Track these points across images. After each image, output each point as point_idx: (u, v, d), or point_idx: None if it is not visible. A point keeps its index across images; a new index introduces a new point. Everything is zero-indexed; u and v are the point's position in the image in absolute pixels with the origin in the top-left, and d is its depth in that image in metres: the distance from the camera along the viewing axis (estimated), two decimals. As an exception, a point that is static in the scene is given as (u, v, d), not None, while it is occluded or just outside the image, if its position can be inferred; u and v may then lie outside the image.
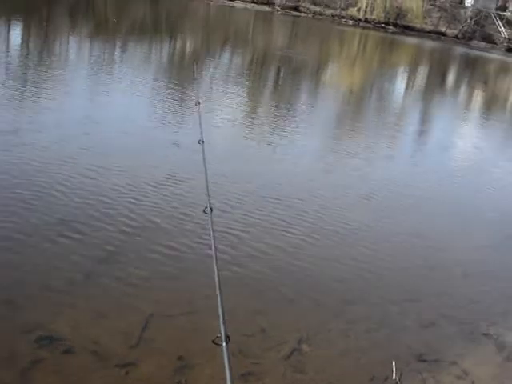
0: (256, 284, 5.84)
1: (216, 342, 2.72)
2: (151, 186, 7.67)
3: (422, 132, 15.93)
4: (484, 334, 5.77)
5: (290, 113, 14.53)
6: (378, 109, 18.51)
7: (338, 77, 24.81)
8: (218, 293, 3.07)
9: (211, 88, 16.20)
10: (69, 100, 11.63)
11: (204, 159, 5.16)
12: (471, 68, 39.54)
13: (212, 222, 3.93)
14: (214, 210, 4.18)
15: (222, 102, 13.97)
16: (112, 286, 5.33)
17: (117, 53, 19.32)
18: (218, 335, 2.76)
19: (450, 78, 31.97)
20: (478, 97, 26.40)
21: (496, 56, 50.17)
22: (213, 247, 3.62)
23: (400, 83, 26.49)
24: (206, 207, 4.16)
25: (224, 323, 2.83)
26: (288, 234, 7.13)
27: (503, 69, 43.42)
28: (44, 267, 5.44)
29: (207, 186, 4.64)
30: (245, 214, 7.38)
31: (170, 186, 7.82)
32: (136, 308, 5.05)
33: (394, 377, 4.76)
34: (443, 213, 9.07)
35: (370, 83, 24.68)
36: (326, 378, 4.63)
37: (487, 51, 53.11)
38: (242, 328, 5.04)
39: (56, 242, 5.89)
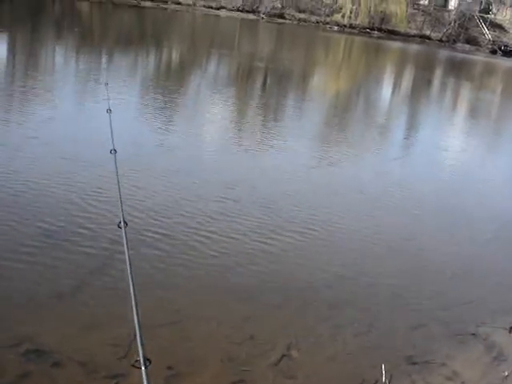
0: (243, 290, 5.85)
1: (135, 366, 2.56)
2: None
3: (409, 137, 15.98)
4: (473, 335, 5.79)
5: (274, 123, 14.55)
6: (365, 115, 18.59)
7: (324, 84, 24.88)
8: (135, 315, 2.88)
9: (197, 97, 16.25)
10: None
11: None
12: (457, 71, 39.79)
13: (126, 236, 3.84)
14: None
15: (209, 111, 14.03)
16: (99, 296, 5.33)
17: (96, 62, 19.31)
18: (137, 359, 2.59)
19: (436, 81, 32.11)
20: (465, 100, 26.56)
21: (481, 58, 50.56)
22: (127, 263, 3.47)
23: (386, 88, 26.59)
24: (120, 222, 4.05)
25: (142, 346, 2.64)
26: (274, 237, 7.16)
27: (488, 70, 43.74)
28: (30, 279, 5.42)
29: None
30: (230, 222, 7.40)
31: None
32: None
33: (383, 380, 4.77)
34: (432, 213, 9.12)
35: (357, 89, 24.78)
36: (316, 383, 4.63)
37: (472, 53, 53.53)
38: (230, 335, 5.05)
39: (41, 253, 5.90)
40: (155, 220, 7.08)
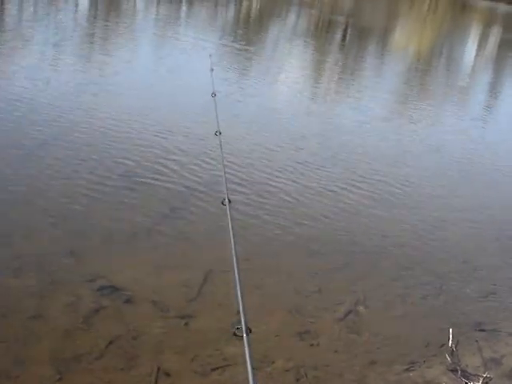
0: (314, 245, 5.86)
1: (237, 334, 2.50)
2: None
3: (491, 100, 15.43)
4: (545, 307, 5.64)
5: (352, 78, 14.31)
6: (446, 75, 18.04)
7: (405, 41, 24.19)
8: (237, 283, 2.81)
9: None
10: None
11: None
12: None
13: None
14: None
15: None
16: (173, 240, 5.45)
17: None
18: (238, 327, 2.52)
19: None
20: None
21: None
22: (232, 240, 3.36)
23: (470, 49, 25.65)
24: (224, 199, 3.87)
25: (244, 314, 2.59)
26: (346, 196, 7.13)
27: None
28: (108, 219, 5.58)
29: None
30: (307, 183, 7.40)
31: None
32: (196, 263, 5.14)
33: (450, 344, 4.72)
34: (509, 181, 8.88)
35: (439, 48, 24.01)
36: (381, 341, 4.62)
37: None
38: (299, 287, 5.09)
39: (119, 194, 6.05)
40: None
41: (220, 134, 5.09)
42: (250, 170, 7.24)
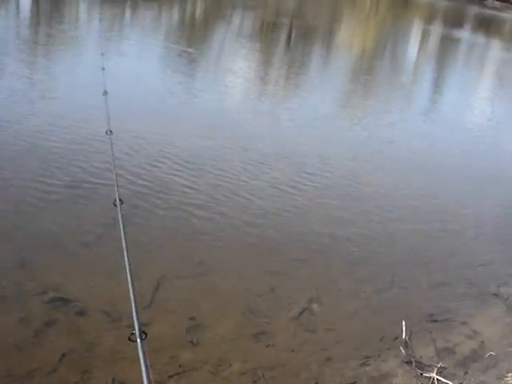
0: (266, 245, 5.87)
1: (131, 339, 2.51)
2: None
3: (433, 97, 15.74)
4: (494, 295, 5.77)
5: (297, 80, 14.40)
6: (390, 72, 18.32)
7: (349, 41, 24.47)
8: (130, 287, 2.86)
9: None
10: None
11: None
12: (485, 29, 38.83)
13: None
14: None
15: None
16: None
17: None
18: (133, 332, 2.54)
19: (464, 39, 31.36)
20: (492, 60, 25.96)
21: (511, 16, 49.24)
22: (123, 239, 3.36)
23: (412, 46, 26.10)
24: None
25: (138, 318, 2.62)
26: (297, 193, 7.16)
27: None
28: (56, 229, 5.48)
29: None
30: (255, 174, 7.40)
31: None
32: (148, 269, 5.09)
33: (403, 336, 4.79)
34: (457, 174, 9.06)
35: (382, 46, 24.37)
36: (336, 337, 4.66)
37: (502, 11, 52.12)
38: (252, 288, 5.09)
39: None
40: (181, 170, 7.12)
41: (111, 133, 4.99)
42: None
